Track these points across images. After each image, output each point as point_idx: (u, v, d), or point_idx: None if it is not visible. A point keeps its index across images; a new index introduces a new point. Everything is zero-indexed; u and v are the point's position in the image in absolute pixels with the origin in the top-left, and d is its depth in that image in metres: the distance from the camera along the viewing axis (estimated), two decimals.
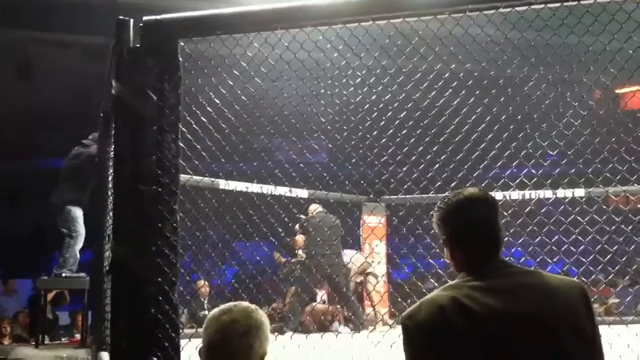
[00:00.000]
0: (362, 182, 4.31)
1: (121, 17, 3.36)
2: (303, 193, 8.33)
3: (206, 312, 8.22)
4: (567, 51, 3.52)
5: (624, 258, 5.84)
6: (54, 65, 11.72)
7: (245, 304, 2.18)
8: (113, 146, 3.66)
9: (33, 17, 10.66)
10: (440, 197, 2.14)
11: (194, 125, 3.59)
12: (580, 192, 6.76)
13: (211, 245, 7.83)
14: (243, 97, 3.81)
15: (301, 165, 4.06)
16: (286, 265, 9.18)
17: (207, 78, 3.65)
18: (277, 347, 4.32)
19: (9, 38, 11.26)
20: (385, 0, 3.20)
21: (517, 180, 4.00)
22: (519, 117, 4.07)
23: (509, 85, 3.97)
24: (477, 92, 3.85)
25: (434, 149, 3.81)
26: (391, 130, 4.05)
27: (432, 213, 2.10)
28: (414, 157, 3.95)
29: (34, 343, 6.94)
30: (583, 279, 3.38)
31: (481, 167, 3.75)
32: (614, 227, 4.96)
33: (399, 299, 5.48)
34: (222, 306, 2.16)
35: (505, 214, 3.38)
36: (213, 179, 7.24)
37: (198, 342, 2.18)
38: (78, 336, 7.82)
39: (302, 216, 8.28)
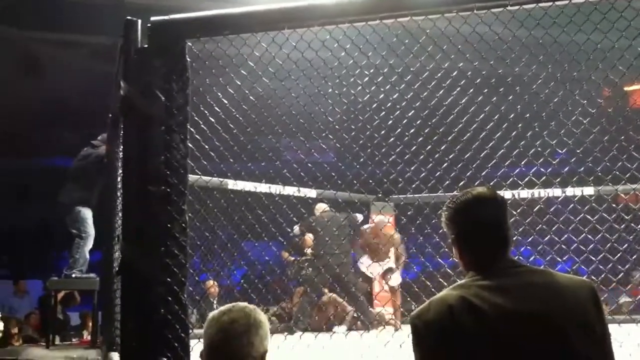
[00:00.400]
0: (371, 181, 4.30)
1: (129, 17, 3.36)
2: (311, 193, 8.34)
3: None
4: (576, 49, 3.50)
5: (634, 257, 5.82)
6: (63, 65, 11.78)
7: (244, 304, 2.24)
8: (121, 147, 3.67)
9: (41, 17, 10.71)
10: (448, 196, 2.14)
11: (202, 126, 3.59)
12: (589, 191, 6.75)
13: (220, 246, 7.85)
14: (251, 97, 3.81)
15: (309, 164, 4.05)
16: (294, 264, 9.18)
17: (215, 78, 3.65)
18: (287, 347, 4.35)
19: (17, 37, 11.32)
20: None
21: (526, 179, 3.98)
22: (528, 115, 4.06)
23: (517, 83, 3.96)
24: (485, 90, 3.84)
25: (442, 147, 3.80)
26: (399, 129, 4.05)
27: (440, 212, 2.10)
28: (422, 156, 3.94)
29: (44, 344, 6.97)
30: (593, 277, 3.36)
31: (490, 165, 3.74)
32: (623, 225, 4.94)
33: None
34: (221, 308, 2.23)
35: (514, 212, 3.38)
36: (221, 179, 7.25)
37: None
38: (88, 337, 7.86)
39: (311, 218, 8.27)
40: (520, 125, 3.91)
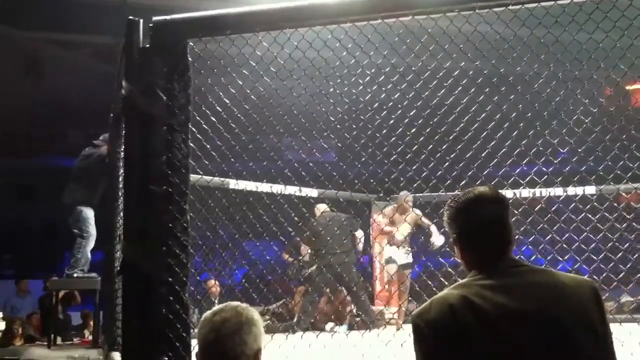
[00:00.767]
0: (372, 180, 4.30)
1: (131, 17, 3.37)
2: (313, 192, 8.33)
3: None
4: (577, 48, 3.50)
5: (636, 256, 5.81)
6: (65, 65, 11.80)
7: (236, 303, 2.25)
8: (123, 146, 3.67)
9: (43, 17, 10.72)
10: (450, 195, 2.14)
11: (204, 125, 3.59)
12: (591, 190, 6.74)
13: (221, 245, 7.85)
14: (252, 97, 3.81)
15: (310, 164, 4.05)
16: (296, 264, 9.18)
17: (217, 78, 3.65)
18: (289, 346, 4.35)
19: (19, 38, 11.34)
20: None
21: (528, 178, 3.98)
22: (529, 114, 4.06)
23: (518, 82, 3.95)
24: (487, 89, 3.84)
25: (444, 147, 3.79)
26: (400, 129, 4.04)
27: (442, 212, 2.10)
28: (423, 156, 3.94)
29: (46, 343, 6.97)
30: (594, 277, 3.36)
31: (491, 165, 3.73)
32: (625, 224, 4.94)
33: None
34: (214, 308, 2.24)
35: (516, 212, 3.37)
36: (223, 179, 7.25)
37: None
38: (90, 336, 7.87)
39: (312, 219, 8.24)
40: (521, 124, 3.90)
